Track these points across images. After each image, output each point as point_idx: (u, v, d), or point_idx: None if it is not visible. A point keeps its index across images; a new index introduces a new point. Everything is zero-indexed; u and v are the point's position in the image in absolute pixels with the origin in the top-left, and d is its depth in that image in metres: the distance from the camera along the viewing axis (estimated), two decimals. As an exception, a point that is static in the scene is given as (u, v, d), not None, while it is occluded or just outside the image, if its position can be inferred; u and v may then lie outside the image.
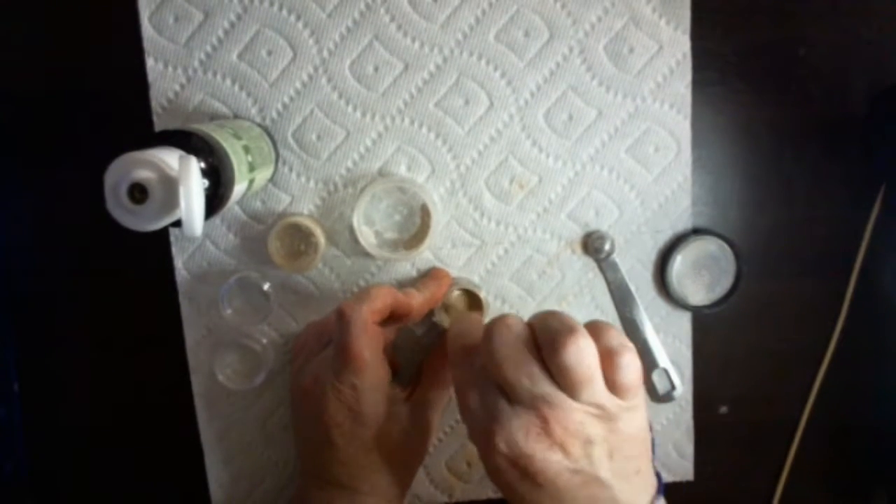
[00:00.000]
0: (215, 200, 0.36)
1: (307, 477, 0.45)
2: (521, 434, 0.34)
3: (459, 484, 0.53)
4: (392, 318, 0.44)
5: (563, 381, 0.34)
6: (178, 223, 0.33)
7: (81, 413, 0.52)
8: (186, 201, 0.32)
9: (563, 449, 0.34)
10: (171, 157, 0.33)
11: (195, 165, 0.32)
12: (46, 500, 0.53)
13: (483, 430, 0.35)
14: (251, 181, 0.41)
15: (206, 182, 0.35)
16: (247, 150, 0.41)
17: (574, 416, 0.34)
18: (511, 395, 0.35)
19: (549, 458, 0.34)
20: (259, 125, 0.47)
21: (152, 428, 0.53)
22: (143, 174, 0.33)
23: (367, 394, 0.41)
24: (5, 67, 0.48)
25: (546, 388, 0.34)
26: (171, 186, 0.33)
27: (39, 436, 0.52)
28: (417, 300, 0.45)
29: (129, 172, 0.33)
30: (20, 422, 0.51)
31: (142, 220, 0.33)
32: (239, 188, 0.39)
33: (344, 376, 0.41)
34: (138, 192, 0.33)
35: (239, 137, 0.41)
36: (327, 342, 0.45)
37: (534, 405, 0.34)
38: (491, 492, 0.53)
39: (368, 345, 0.40)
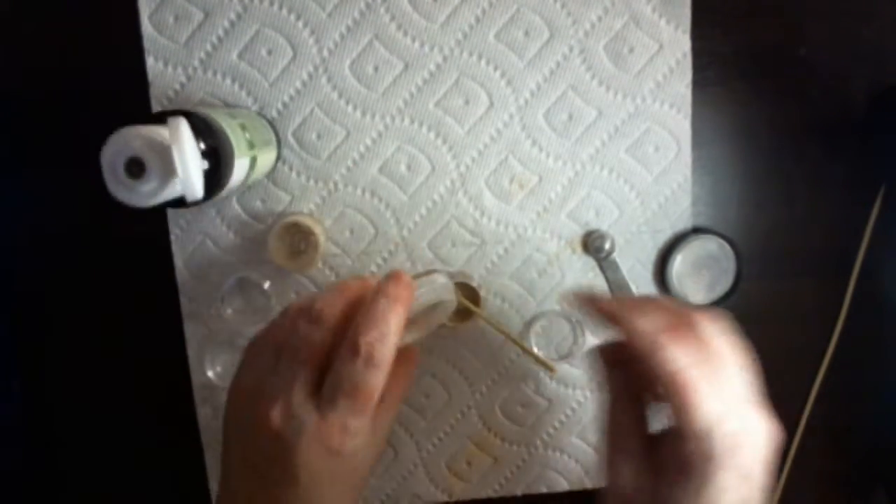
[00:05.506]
0: (217, 176, 0.37)
1: None
2: None
3: (459, 483, 0.53)
4: None
5: None
6: (180, 202, 0.34)
7: (81, 412, 0.52)
8: (181, 162, 0.32)
9: None
10: (165, 132, 0.34)
11: (184, 125, 0.33)
12: (46, 499, 0.53)
13: None
14: (253, 160, 0.41)
15: (206, 164, 0.35)
16: (243, 127, 0.41)
17: None
18: None
19: None
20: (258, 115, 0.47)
21: (152, 427, 0.53)
22: (138, 146, 0.33)
23: (358, 436, 0.35)
24: (5, 67, 0.48)
25: None
26: (166, 156, 0.33)
27: (39, 436, 0.52)
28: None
29: (125, 146, 0.33)
30: (20, 422, 0.51)
31: (142, 196, 0.34)
32: (241, 164, 0.39)
33: (337, 414, 0.34)
34: (135, 167, 0.33)
35: (234, 117, 0.41)
36: (295, 359, 0.35)
37: None
38: (491, 491, 0.53)
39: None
